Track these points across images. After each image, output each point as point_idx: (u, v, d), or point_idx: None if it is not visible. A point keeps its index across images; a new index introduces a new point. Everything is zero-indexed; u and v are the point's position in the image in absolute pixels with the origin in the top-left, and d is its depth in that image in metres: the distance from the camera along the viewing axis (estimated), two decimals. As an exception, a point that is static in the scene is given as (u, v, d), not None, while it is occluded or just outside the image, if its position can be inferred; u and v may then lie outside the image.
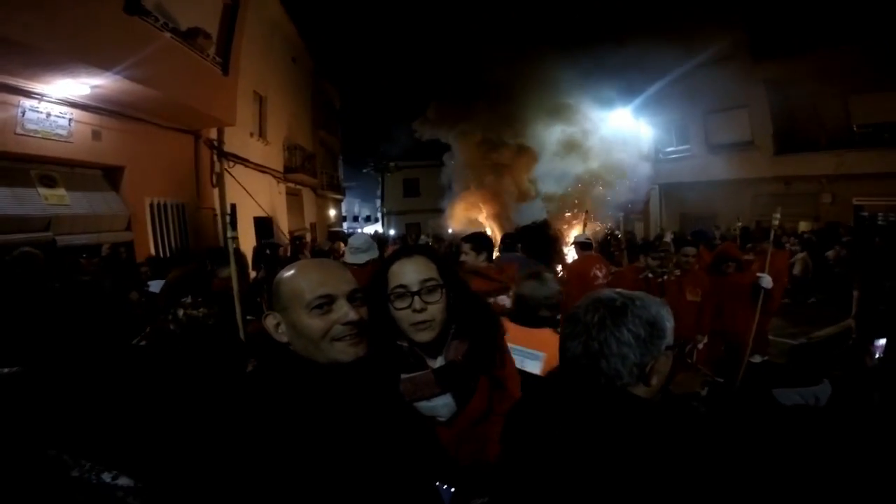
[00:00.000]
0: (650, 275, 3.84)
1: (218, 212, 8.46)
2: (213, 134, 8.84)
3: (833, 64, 11.08)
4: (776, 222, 4.16)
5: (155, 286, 3.46)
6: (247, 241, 9.29)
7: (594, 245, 5.73)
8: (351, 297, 0.99)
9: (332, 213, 19.69)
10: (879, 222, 9.80)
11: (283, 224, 11.96)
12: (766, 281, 3.96)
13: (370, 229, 27.39)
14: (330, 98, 20.16)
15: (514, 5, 10.80)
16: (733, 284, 4.17)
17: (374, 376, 1.07)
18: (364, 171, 26.10)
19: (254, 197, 10.05)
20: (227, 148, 9.23)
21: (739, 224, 7.91)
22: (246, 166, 10.13)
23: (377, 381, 1.09)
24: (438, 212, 14.33)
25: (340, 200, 21.91)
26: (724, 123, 14.06)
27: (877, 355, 2.98)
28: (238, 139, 9.76)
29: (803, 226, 11.76)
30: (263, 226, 10.66)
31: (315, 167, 15.32)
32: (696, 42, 12.69)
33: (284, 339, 1.00)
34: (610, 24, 11.72)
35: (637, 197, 16.18)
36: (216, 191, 8.77)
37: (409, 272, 1.27)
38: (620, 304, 0.96)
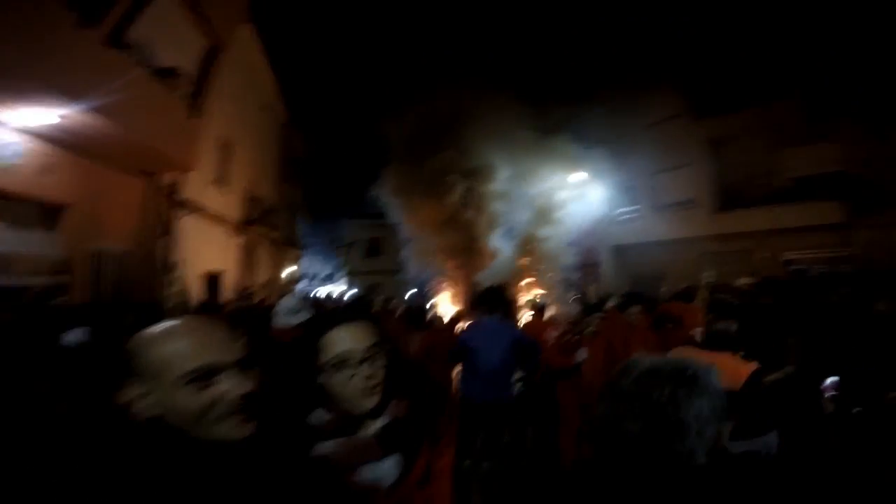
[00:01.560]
0: (589, 329, 4.01)
1: (165, 263, 8.06)
2: (169, 178, 8.42)
3: (764, 120, 12.15)
4: (709, 281, 4.43)
5: (74, 336, 3.21)
6: (196, 296, 8.83)
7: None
8: (242, 365, 0.86)
9: (290, 270, 19.21)
10: (811, 274, 10.39)
11: (234, 280, 11.49)
12: (699, 335, 4.16)
13: (329, 289, 26.84)
14: (297, 151, 19.99)
15: (476, 72, 11.49)
16: (674, 340, 4.33)
17: (280, 453, 0.95)
18: (327, 230, 26.12)
19: (205, 249, 9.69)
20: (182, 194, 8.81)
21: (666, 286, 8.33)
22: (201, 216, 9.82)
23: (285, 459, 0.96)
24: (400, 274, 14.30)
25: (299, 258, 21.44)
26: (670, 183, 14.77)
27: (829, 394, 3.09)
28: (196, 186, 9.35)
29: (742, 282, 12.36)
30: (214, 281, 10.21)
31: (274, 221, 15.08)
32: (641, 103, 13.93)
33: (154, 412, 0.82)
34: (559, 89, 12.65)
35: (591, 259, 16.90)
36: (165, 240, 8.39)
37: (354, 339, 1.24)
38: (691, 374, 0.84)
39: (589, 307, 4.42)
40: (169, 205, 8.48)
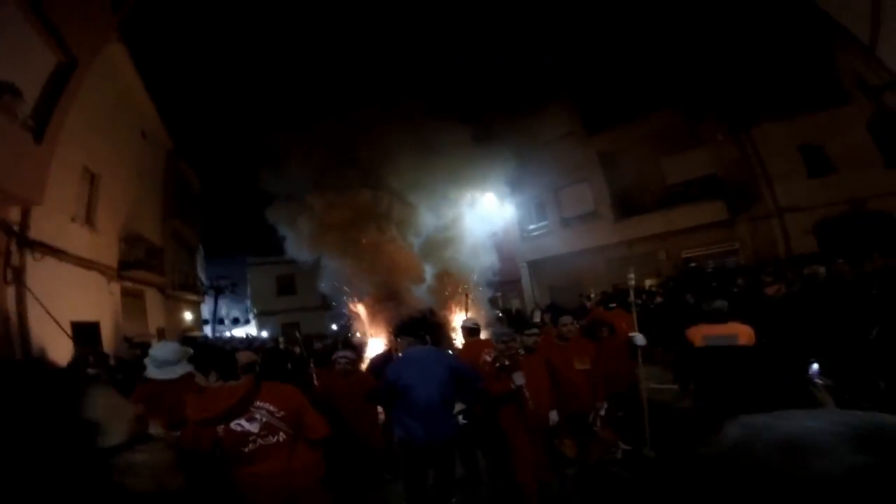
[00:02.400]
0: (522, 352, 3.67)
1: (13, 315, 6.50)
2: (15, 216, 6.94)
3: (646, 130, 13.21)
4: (632, 283, 4.39)
5: None
6: (61, 350, 7.22)
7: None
8: None
9: (189, 316, 17.06)
10: (708, 270, 11.36)
11: (116, 330, 9.74)
12: (640, 338, 4.06)
13: (240, 332, 24.43)
14: (188, 183, 17.99)
15: (373, 92, 11.19)
16: (611, 348, 4.22)
17: None
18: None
19: (71, 298, 8.09)
20: (34, 234, 7.30)
21: (592, 293, 8.52)
22: (61, 260, 8.21)
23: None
24: (321, 309, 13.25)
25: (199, 302, 19.17)
26: (571, 197, 15.66)
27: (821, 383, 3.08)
28: (52, 224, 7.86)
29: (648, 283, 13.24)
30: (86, 333, 8.52)
31: (163, 263, 13.26)
32: (538, 122, 14.55)
33: None
34: (459, 108, 12.76)
35: (510, 276, 17.22)
36: (12, 289, 6.80)
37: None
38: None
39: (517, 324, 4.13)
40: (16, 246, 6.94)
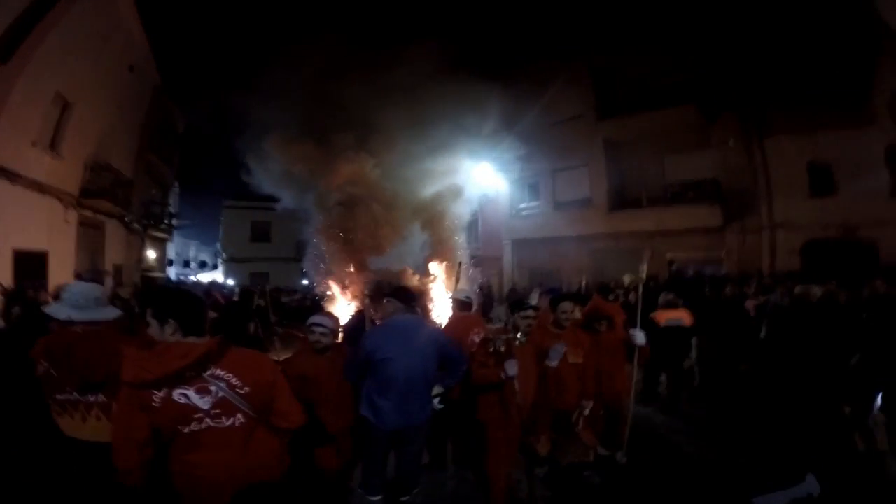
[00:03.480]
0: (518, 337, 3.26)
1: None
2: None
3: (654, 125, 12.86)
4: (643, 275, 4.08)
5: None
6: (3, 278, 6.60)
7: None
8: None
9: (153, 255, 16.23)
10: (689, 274, 11.28)
11: (67, 263, 9.03)
12: (640, 337, 3.75)
13: (206, 277, 23.61)
14: (172, 122, 17.15)
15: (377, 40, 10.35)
16: (607, 343, 3.88)
17: None
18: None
19: (20, 224, 7.40)
20: None
21: (584, 281, 8.26)
22: (13, 182, 7.47)
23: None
24: (295, 261, 12.60)
25: (165, 240, 18.28)
26: (568, 181, 15.30)
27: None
28: (9, 146, 7.36)
29: (628, 279, 13.12)
30: (30, 262, 7.85)
31: (130, 196, 12.40)
32: (550, 100, 13.98)
33: None
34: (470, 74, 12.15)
35: (492, 252, 16.88)
36: None
37: None
38: None
39: (514, 304, 3.68)
40: None
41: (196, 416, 1.71)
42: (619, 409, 3.84)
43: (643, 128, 13.21)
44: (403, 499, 3.08)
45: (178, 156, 18.65)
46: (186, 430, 1.71)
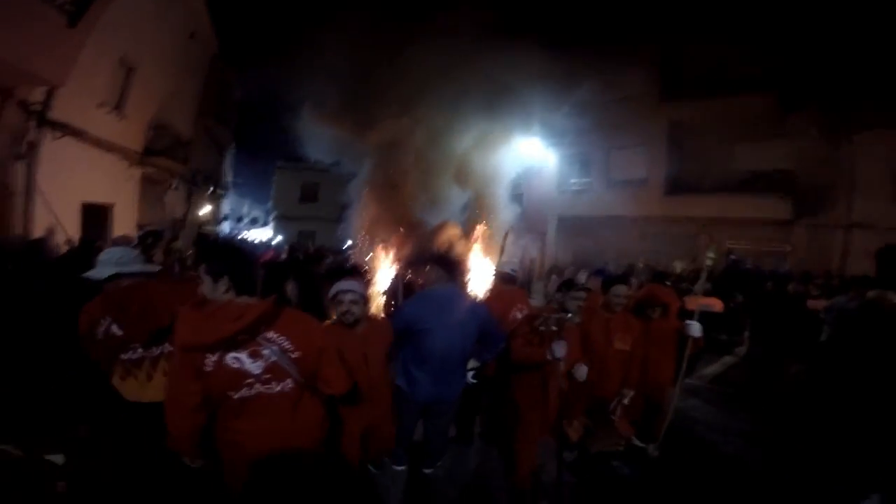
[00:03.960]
0: (569, 316, 3.09)
1: (19, 192, 6.34)
2: (38, 96, 6.91)
3: (729, 110, 11.96)
4: (710, 262, 3.78)
5: None
6: (70, 231, 7.14)
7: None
8: None
9: (208, 209, 17.01)
10: (747, 266, 10.60)
11: (131, 216, 9.63)
12: (696, 329, 3.50)
13: (256, 233, 24.62)
14: (230, 87, 17.84)
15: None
16: (658, 331, 3.65)
17: None
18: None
19: (87, 180, 7.91)
20: (56, 115, 7.24)
21: (640, 264, 7.86)
22: (81, 141, 7.94)
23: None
24: (339, 222, 12.74)
25: (221, 196, 19.20)
26: (625, 160, 14.58)
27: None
28: (77, 107, 7.76)
29: (679, 266, 12.50)
30: (96, 215, 8.42)
31: (188, 155, 12.96)
32: (613, 77, 13.20)
33: None
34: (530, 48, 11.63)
35: (535, 227, 16.42)
36: (23, 165, 6.63)
37: None
38: None
39: (564, 283, 3.51)
40: (34, 124, 6.82)
41: (247, 381, 1.68)
42: (661, 401, 3.64)
43: (715, 113, 12.29)
44: (427, 470, 3.09)
45: (234, 119, 19.44)
46: (236, 395, 1.68)
